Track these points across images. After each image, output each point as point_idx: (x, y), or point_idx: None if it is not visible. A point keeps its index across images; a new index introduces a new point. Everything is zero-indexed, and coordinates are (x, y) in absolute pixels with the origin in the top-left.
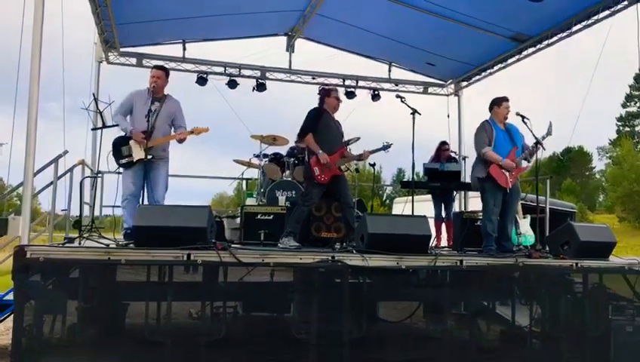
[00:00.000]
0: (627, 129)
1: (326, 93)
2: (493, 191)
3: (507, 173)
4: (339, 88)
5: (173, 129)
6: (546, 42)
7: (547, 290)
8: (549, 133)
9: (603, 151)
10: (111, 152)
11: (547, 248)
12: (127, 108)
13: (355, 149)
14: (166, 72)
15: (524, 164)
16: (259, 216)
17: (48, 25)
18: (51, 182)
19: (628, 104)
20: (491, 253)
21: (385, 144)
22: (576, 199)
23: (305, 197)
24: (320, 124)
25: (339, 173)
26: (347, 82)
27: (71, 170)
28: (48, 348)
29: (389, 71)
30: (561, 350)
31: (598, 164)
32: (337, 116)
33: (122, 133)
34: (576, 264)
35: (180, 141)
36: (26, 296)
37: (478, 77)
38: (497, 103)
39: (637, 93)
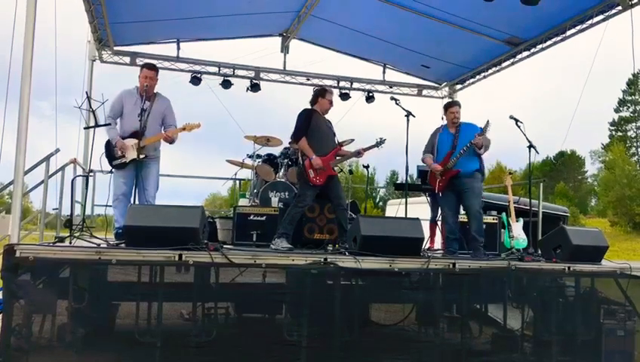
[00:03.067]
0: (620, 134)
1: (321, 93)
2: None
3: (438, 177)
4: (333, 90)
5: (163, 128)
6: (540, 46)
7: (539, 294)
8: (484, 130)
9: (595, 156)
10: (104, 153)
11: (540, 252)
12: (118, 109)
13: (349, 150)
14: (156, 71)
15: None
16: (251, 217)
17: (40, 23)
18: (42, 181)
19: (621, 109)
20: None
21: (378, 140)
22: (568, 203)
23: (299, 198)
24: (311, 125)
25: (333, 173)
26: (341, 83)
27: (62, 168)
28: (38, 348)
29: (384, 73)
30: (553, 353)
31: (591, 168)
32: (329, 117)
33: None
34: (569, 268)
35: (171, 142)
36: (15, 295)
37: (472, 80)
38: (445, 108)
39: (630, 98)
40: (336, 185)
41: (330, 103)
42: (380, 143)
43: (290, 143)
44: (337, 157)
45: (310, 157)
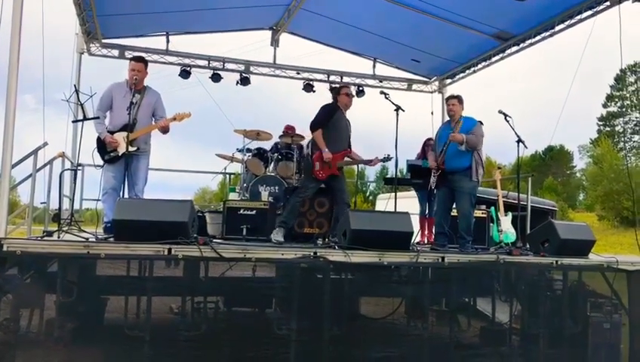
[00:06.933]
0: (607, 129)
1: (336, 91)
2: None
3: (434, 173)
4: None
5: (154, 121)
6: (529, 41)
7: (527, 287)
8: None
9: (584, 151)
10: (96, 148)
11: (528, 246)
12: (107, 103)
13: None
14: (145, 63)
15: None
16: (241, 211)
17: (26, 15)
18: (30, 175)
19: (608, 104)
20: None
21: (386, 156)
22: (557, 197)
23: (300, 189)
24: (332, 120)
25: (337, 173)
26: (332, 78)
27: (50, 162)
28: (25, 343)
29: (374, 67)
30: (540, 346)
31: (579, 163)
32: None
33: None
34: (556, 261)
35: (164, 131)
36: (2, 289)
37: (462, 74)
38: (445, 102)
39: (617, 93)
40: (341, 182)
41: (347, 96)
42: (386, 159)
43: (311, 129)
44: (346, 159)
45: (323, 149)
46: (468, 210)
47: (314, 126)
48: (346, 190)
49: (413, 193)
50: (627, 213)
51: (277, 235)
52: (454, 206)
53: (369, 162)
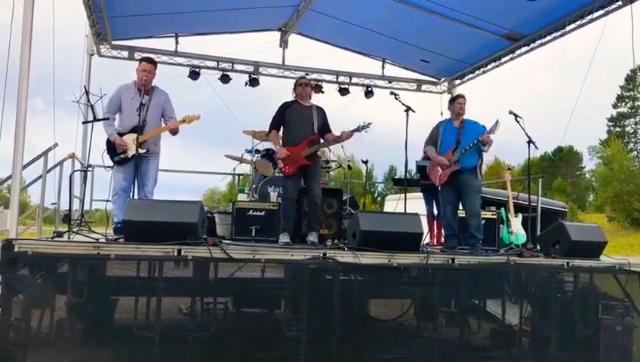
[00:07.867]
0: (618, 129)
1: (294, 86)
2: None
3: (440, 170)
4: (314, 82)
5: (163, 121)
6: (539, 41)
7: (538, 289)
8: (493, 128)
9: (594, 152)
10: (105, 150)
11: (538, 247)
12: (116, 104)
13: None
14: (155, 64)
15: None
16: (250, 212)
17: (37, 16)
18: (40, 176)
19: (619, 105)
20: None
21: (362, 124)
22: (566, 198)
23: (283, 192)
24: (285, 117)
25: (307, 163)
26: (340, 78)
27: (61, 163)
28: (36, 343)
29: (383, 68)
30: (551, 349)
31: (589, 163)
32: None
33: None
34: (567, 263)
35: (173, 133)
36: (13, 289)
37: (471, 75)
38: (451, 101)
39: (628, 93)
40: (312, 176)
41: (301, 86)
42: (363, 127)
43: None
44: (314, 146)
45: (275, 148)
46: (478, 208)
47: (269, 128)
48: (317, 186)
49: (421, 194)
50: (638, 215)
51: (282, 238)
52: (460, 206)
53: (338, 138)
